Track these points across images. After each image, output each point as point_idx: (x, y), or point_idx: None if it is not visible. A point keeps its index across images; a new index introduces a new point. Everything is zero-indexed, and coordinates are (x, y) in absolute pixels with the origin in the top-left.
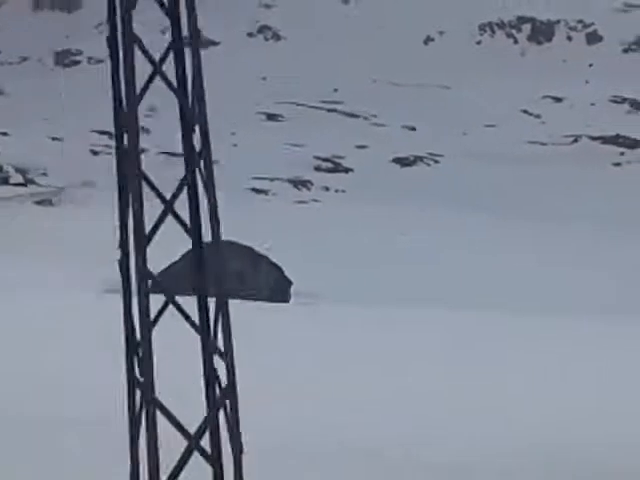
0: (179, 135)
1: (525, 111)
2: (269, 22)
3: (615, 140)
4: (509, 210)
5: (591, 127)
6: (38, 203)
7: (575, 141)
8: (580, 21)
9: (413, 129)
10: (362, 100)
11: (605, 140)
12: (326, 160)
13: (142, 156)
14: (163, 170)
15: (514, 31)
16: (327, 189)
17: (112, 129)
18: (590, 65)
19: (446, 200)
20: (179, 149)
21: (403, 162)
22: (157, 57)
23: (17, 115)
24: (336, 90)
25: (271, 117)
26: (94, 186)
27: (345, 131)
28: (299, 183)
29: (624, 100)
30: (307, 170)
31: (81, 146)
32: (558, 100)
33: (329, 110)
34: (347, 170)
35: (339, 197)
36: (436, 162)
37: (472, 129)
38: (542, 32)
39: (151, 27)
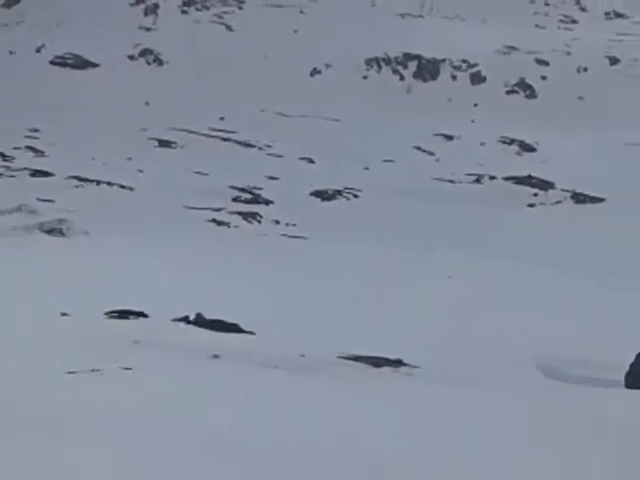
0: None
1: (418, 147)
2: (150, 45)
3: (528, 181)
4: (441, 242)
5: (485, 166)
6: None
7: (477, 180)
8: (464, 61)
9: (312, 161)
10: (252, 130)
11: (518, 180)
12: (243, 190)
13: None
14: None
15: (400, 67)
16: (277, 222)
17: (5, 150)
18: (475, 105)
19: (379, 235)
20: None
21: (323, 196)
22: None
23: None
24: (222, 118)
25: (163, 143)
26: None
27: (246, 161)
28: (248, 215)
29: (512, 141)
30: (225, 200)
31: None
32: (449, 138)
33: (223, 139)
34: (267, 202)
35: (302, 231)
36: (355, 197)
37: (371, 163)
38: (428, 70)
39: None
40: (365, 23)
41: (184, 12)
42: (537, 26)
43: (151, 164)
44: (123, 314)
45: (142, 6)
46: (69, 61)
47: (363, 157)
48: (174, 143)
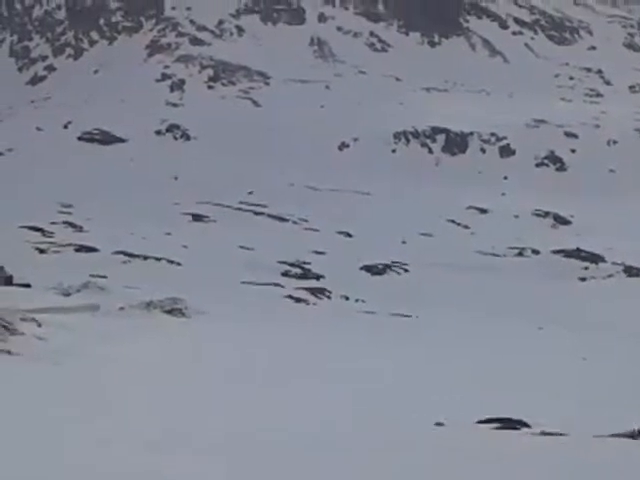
0: None
1: (452, 221)
2: (177, 120)
3: (577, 254)
4: (507, 312)
5: (522, 240)
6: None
7: (520, 254)
8: (493, 134)
9: (349, 235)
10: (282, 203)
11: (567, 254)
12: (292, 265)
13: None
14: None
15: (428, 141)
16: (347, 298)
17: (44, 225)
18: (505, 177)
19: (443, 306)
20: None
21: (372, 270)
22: None
23: None
24: (251, 192)
25: (197, 217)
26: None
27: (284, 235)
28: (315, 291)
29: (547, 214)
30: (275, 275)
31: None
32: (482, 211)
33: (255, 213)
34: (318, 277)
35: (374, 307)
36: (406, 271)
37: (408, 237)
38: (456, 143)
39: None
40: (391, 97)
41: (210, 87)
42: (563, 99)
43: (190, 238)
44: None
45: (168, 82)
46: (96, 137)
47: (399, 230)
48: (206, 217)
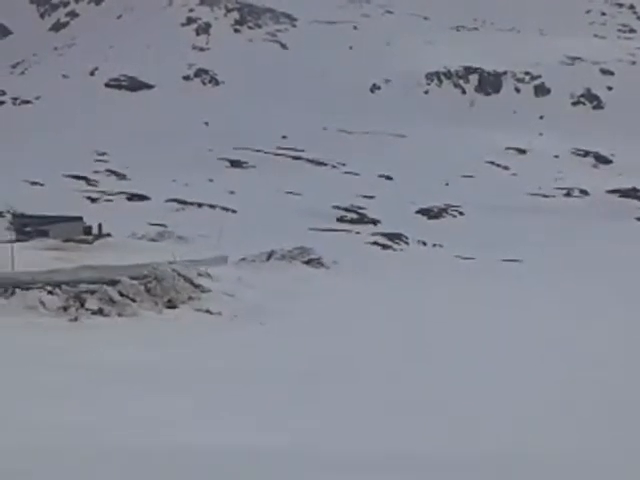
0: None
1: (492, 162)
2: (205, 65)
3: (633, 194)
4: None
5: (565, 180)
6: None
7: (568, 194)
8: (527, 73)
9: (389, 178)
10: (318, 147)
11: (623, 194)
12: (347, 210)
13: None
14: None
15: (462, 81)
16: (424, 243)
17: (86, 173)
18: (541, 117)
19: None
20: None
21: (429, 214)
22: None
23: None
24: (285, 137)
25: (235, 163)
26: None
27: (327, 180)
28: (394, 236)
29: (587, 153)
30: (331, 220)
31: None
32: (521, 152)
33: (294, 157)
34: (375, 221)
35: (465, 252)
36: (461, 214)
37: (450, 179)
38: (489, 83)
39: None
40: (420, 37)
41: (237, 31)
42: (596, 36)
43: (234, 184)
44: None
45: (193, 26)
46: (124, 83)
47: (439, 173)
48: (245, 163)
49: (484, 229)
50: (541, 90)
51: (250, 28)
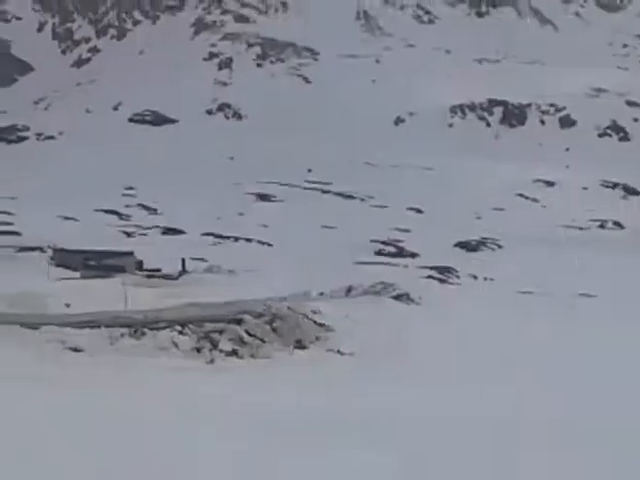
0: None
1: (521, 195)
2: (228, 99)
3: None
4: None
5: (596, 211)
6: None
7: (601, 226)
8: (552, 105)
9: (419, 211)
10: (344, 181)
11: None
12: (385, 243)
13: None
14: None
15: (486, 114)
16: (475, 277)
17: (116, 207)
18: (567, 149)
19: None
20: None
21: (467, 247)
22: None
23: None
24: (310, 170)
25: (263, 197)
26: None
27: (359, 213)
28: (443, 270)
29: (615, 185)
30: (369, 254)
31: (98, 226)
32: (549, 184)
33: (323, 191)
34: (413, 255)
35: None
36: (499, 247)
37: (482, 212)
38: (514, 115)
39: None
40: (442, 69)
41: (259, 65)
42: (619, 68)
43: (265, 218)
44: None
45: (216, 60)
46: (147, 118)
47: (469, 206)
48: (273, 197)
49: (527, 262)
50: (566, 122)
51: (272, 62)
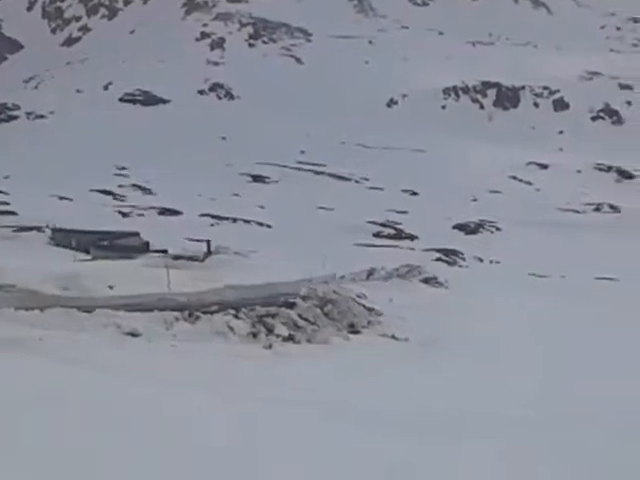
0: None
1: (515, 177)
2: (220, 80)
3: None
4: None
5: (590, 195)
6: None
7: (597, 209)
8: (546, 87)
9: (415, 193)
10: (338, 162)
11: None
12: (383, 225)
13: None
14: None
15: (479, 96)
16: (481, 260)
17: (109, 187)
18: (560, 132)
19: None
20: None
21: (466, 229)
22: None
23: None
24: (303, 152)
25: (257, 178)
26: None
27: (354, 195)
28: (448, 252)
29: (609, 168)
30: (367, 236)
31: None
32: (543, 167)
33: (316, 172)
34: (412, 237)
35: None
36: (497, 229)
37: (477, 194)
38: (508, 98)
39: None
40: (436, 51)
41: (251, 45)
42: (612, 50)
43: (261, 199)
44: None
45: (208, 41)
46: (138, 98)
47: (464, 188)
48: (267, 178)
49: (529, 245)
50: (560, 105)
51: (265, 43)
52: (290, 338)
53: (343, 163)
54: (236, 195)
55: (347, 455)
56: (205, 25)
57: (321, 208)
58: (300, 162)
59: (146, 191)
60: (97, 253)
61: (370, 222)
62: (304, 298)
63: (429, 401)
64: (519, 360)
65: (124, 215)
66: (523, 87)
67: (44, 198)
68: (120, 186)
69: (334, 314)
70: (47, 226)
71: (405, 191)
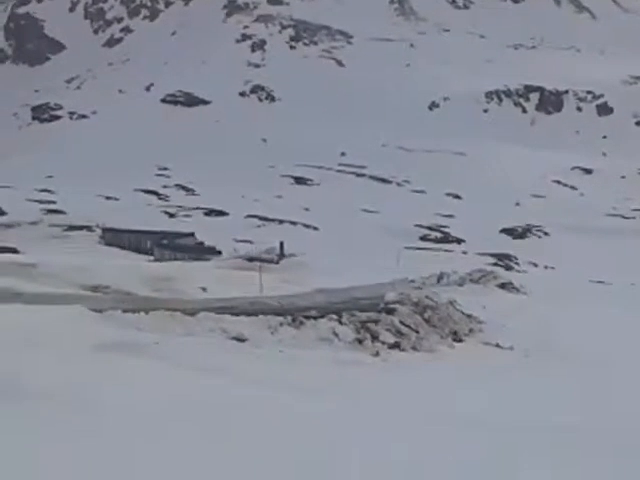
0: None
1: (558, 182)
2: (261, 81)
3: None
4: None
5: (634, 201)
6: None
7: None
8: (589, 92)
9: (458, 197)
10: (379, 165)
11: None
12: (430, 229)
13: None
14: None
15: (522, 100)
16: (535, 265)
17: (153, 187)
18: (604, 137)
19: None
20: None
21: (513, 233)
22: None
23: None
24: (344, 154)
25: (299, 180)
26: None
27: (397, 198)
28: (502, 257)
29: None
30: (413, 239)
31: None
32: (587, 172)
33: (357, 175)
34: (459, 241)
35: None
36: (545, 234)
37: (521, 199)
38: (551, 102)
39: None
40: (478, 55)
41: (292, 47)
42: None
43: (304, 201)
44: None
45: (249, 42)
46: (180, 99)
47: (507, 192)
48: (309, 180)
49: (580, 251)
50: (604, 109)
51: (305, 45)
52: (396, 345)
53: (384, 166)
54: (279, 197)
55: None
56: (246, 27)
57: (364, 211)
58: (341, 164)
59: (189, 191)
60: (162, 254)
61: (417, 225)
62: (400, 303)
63: (557, 414)
64: (631, 369)
65: (170, 215)
66: (566, 91)
67: (90, 197)
68: (164, 186)
69: (434, 321)
70: (97, 225)
71: (448, 194)
